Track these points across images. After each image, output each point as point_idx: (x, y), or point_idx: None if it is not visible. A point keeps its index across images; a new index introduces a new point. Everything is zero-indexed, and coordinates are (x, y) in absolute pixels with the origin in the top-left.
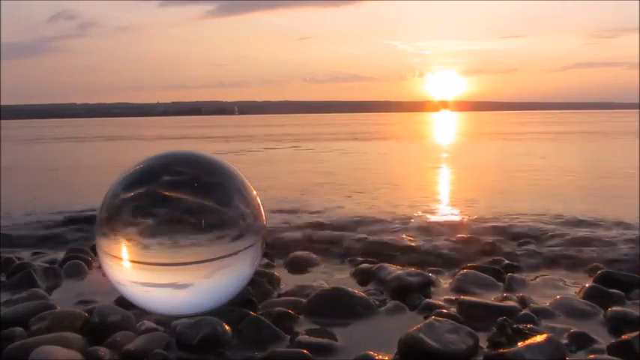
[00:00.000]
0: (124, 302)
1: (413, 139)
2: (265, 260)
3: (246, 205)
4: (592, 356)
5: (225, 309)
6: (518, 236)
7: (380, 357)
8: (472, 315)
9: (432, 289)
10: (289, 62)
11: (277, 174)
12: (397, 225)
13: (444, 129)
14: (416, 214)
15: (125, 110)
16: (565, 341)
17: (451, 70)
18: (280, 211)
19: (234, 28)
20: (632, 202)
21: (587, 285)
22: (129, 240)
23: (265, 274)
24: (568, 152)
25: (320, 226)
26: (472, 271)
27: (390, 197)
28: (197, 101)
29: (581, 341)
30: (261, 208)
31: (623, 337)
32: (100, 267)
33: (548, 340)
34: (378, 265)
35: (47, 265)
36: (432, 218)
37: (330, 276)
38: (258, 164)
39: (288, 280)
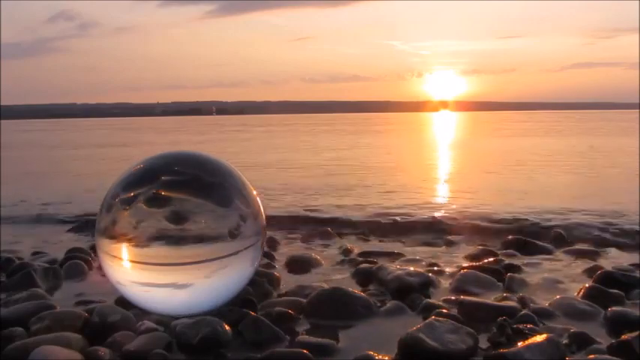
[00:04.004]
0: (124, 302)
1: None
2: (265, 260)
3: (246, 205)
4: (592, 356)
5: (225, 309)
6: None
7: (380, 357)
8: (472, 315)
9: (432, 289)
10: (289, 62)
11: None
12: None
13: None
14: None
15: (125, 110)
16: (565, 341)
17: (450, 70)
18: None
19: (234, 28)
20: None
21: (587, 285)
22: (129, 240)
23: (265, 274)
24: None
25: None
26: (472, 271)
27: None
28: (197, 101)
29: (581, 341)
30: (261, 208)
31: (623, 337)
32: (99, 267)
33: (548, 340)
34: (378, 265)
35: (47, 265)
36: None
37: (330, 276)
38: None
39: (288, 280)
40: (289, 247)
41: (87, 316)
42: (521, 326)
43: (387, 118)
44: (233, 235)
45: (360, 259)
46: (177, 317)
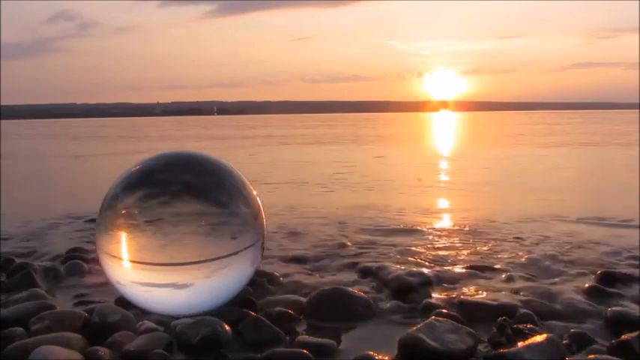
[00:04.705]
0: (124, 302)
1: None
2: (265, 260)
3: (246, 205)
4: (592, 356)
5: (225, 309)
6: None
7: (380, 357)
8: (472, 315)
9: (432, 289)
10: (288, 62)
11: None
12: None
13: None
14: None
15: (125, 110)
16: (565, 341)
17: (450, 70)
18: None
19: (234, 28)
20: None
21: (587, 285)
22: (129, 240)
23: (265, 274)
24: None
25: None
26: (472, 270)
27: None
28: (197, 101)
29: (581, 341)
30: (261, 208)
31: (623, 337)
32: (99, 267)
33: (548, 340)
34: (379, 264)
35: (47, 265)
36: None
37: (330, 276)
38: None
39: (288, 280)
40: (289, 248)
41: (87, 316)
42: (521, 326)
43: (388, 118)
44: (233, 235)
45: (361, 257)
46: (177, 317)
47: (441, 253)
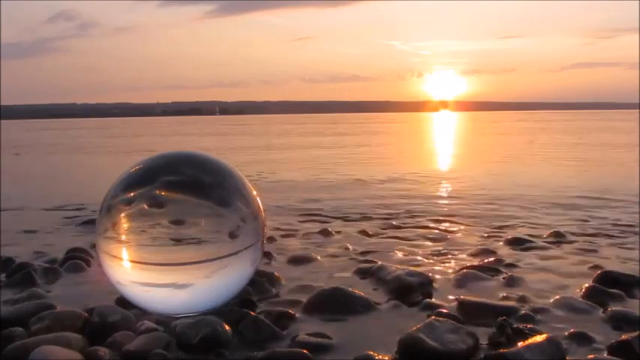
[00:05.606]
0: (124, 302)
1: None
2: (265, 260)
3: (246, 205)
4: (592, 356)
5: (225, 309)
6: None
7: (380, 357)
8: (472, 315)
9: (432, 288)
10: (289, 62)
11: None
12: None
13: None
14: None
15: (125, 110)
16: (565, 341)
17: (450, 70)
18: None
19: (234, 28)
20: None
21: (587, 285)
22: (129, 240)
23: (265, 273)
24: None
25: None
26: (472, 270)
27: None
28: (197, 101)
29: (581, 341)
30: (261, 207)
31: (623, 337)
32: (99, 267)
33: (548, 340)
34: (379, 264)
35: (47, 265)
36: None
37: (330, 275)
38: None
39: (288, 280)
40: (289, 247)
41: (87, 316)
42: (521, 326)
43: (388, 118)
44: (233, 235)
45: (361, 258)
46: (177, 317)
47: (441, 252)
